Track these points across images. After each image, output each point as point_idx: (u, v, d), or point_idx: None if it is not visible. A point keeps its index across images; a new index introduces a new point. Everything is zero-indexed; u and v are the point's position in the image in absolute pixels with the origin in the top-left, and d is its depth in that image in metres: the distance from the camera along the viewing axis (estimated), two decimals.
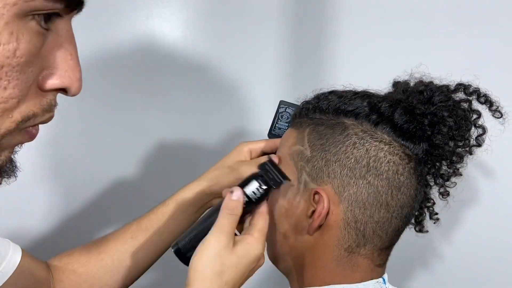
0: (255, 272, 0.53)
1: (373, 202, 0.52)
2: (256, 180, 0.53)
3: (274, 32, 0.92)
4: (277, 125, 0.66)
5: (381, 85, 0.61)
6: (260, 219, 0.53)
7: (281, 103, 0.67)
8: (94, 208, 0.92)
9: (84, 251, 0.66)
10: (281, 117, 0.67)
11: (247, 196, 0.53)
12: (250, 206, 0.53)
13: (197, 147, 0.95)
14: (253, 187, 0.53)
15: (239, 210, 0.52)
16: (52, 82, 0.37)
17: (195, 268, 0.49)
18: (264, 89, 0.94)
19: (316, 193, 0.53)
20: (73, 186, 0.91)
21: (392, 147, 0.53)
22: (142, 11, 0.88)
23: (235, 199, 0.52)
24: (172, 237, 0.65)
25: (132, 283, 0.67)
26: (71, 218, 0.92)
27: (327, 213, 0.53)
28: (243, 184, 0.54)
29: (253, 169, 0.61)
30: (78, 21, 0.85)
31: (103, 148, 0.92)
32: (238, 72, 0.93)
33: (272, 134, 0.66)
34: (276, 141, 0.64)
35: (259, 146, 0.65)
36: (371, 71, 0.84)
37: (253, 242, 0.51)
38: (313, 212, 0.53)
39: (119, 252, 0.65)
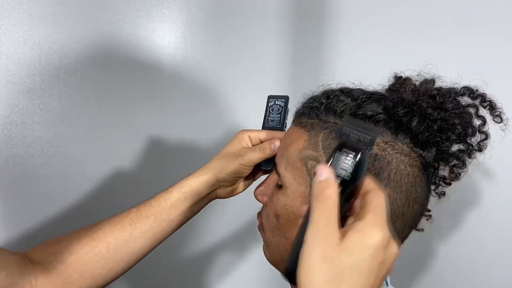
0: (392, 263, 0.40)
1: (391, 214, 0.52)
2: (340, 150, 0.40)
3: (274, 32, 0.92)
4: (269, 118, 0.67)
5: (382, 82, 0.60)
6: (370, 198, 0.40)
7: (270, 97, 0.69)
8: (90, 206, 0.92)
9: (74, 238, 0.61)
10: (272, 110, 0.68)
11: (338, 177, 0.40)
12: (347, 188, 0.40)
13: (197, 146, 0.95)
14: (340, 162, 0.40)
15: (332, 193, 0.39)
16: None
17: (301, 283, 0.38)
18: (264, 89, 0.94)
19: None
20: (71, 185, 0.91)
21: (412, 158, 0.52)
22: (142, 11, 0.88)
23: (322, 179, 0.39)
24: (172, 227, 0.64)
25: (124, 272, 0.64)
26: (67, 216, 0.91)
27: None
28: (328, 162, 0.41)
29: (256, 154, 0.61)
30: (78, 21, 0.86)
31: (103, 148, 0.92)
32: (237, 72, 0.93)
33: (266, 127, 0.67)
34: (274, 132, 0.65)
35: (258, 134, 0.65)
36: (374, 68, 0.84)
37: (367, 227, 0.38)
38: None
39: (116, 240, 0.61)
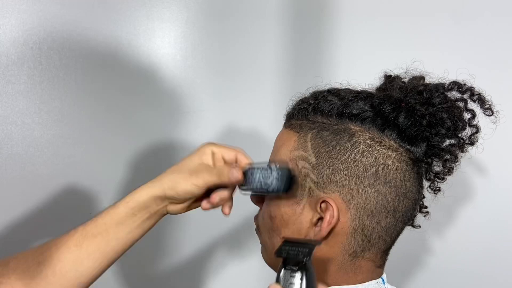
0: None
1: (381, 209, 0.52)
2: (285, 268, 0.44)
3: (274, 32, 0.92)
4: (262, 179, 0.55)
5: (374, 82, 0.61)
6: None
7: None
8: (90, 206, 0.92)
9: (21, 260, 0.56)
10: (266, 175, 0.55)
11: None
12: None
13: (196, 147, 0.95)
14: (287, 279, 0.43)
15: None
16: None
17: None
18: (264, 89, 0.94)
19: (324, 201, 0.52)
20: (71, 185, 0.91)
21: (399, 153, 0.53)
22: (142, 11, 0.88)
23: None
24: (122, 246, 0.57)
25: None
26: (66, 216, 0.91)
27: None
28: (277, 281, 0.44)
29: (212, 177, 0.55)
30: (78, 21, 0.86)
31: (103, 148, 0.92)
32: (238, 72, 0.93)
33: (241, 189, 0.58)
34: (238, 154, 0.58)
35: (221, 150, 0.58)
36: (366, 67, 0.84)
37: None
38: (318, 219, 0.53)
39: (61, 263, 0.55)
